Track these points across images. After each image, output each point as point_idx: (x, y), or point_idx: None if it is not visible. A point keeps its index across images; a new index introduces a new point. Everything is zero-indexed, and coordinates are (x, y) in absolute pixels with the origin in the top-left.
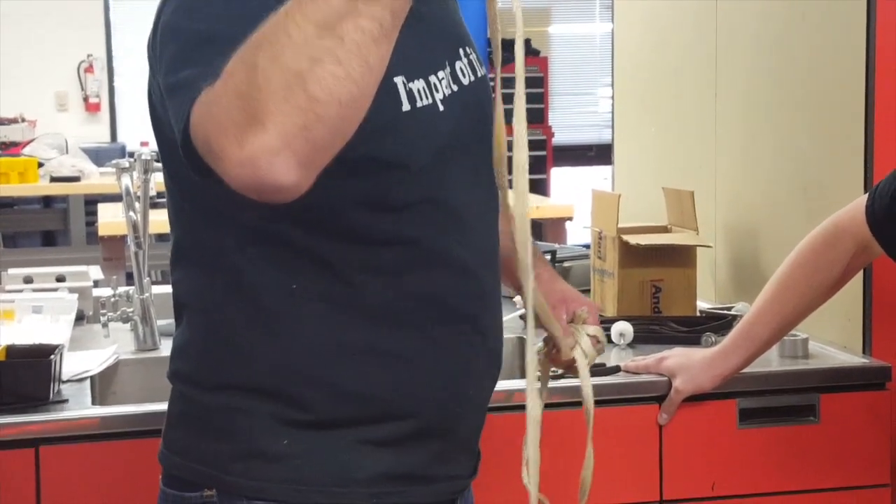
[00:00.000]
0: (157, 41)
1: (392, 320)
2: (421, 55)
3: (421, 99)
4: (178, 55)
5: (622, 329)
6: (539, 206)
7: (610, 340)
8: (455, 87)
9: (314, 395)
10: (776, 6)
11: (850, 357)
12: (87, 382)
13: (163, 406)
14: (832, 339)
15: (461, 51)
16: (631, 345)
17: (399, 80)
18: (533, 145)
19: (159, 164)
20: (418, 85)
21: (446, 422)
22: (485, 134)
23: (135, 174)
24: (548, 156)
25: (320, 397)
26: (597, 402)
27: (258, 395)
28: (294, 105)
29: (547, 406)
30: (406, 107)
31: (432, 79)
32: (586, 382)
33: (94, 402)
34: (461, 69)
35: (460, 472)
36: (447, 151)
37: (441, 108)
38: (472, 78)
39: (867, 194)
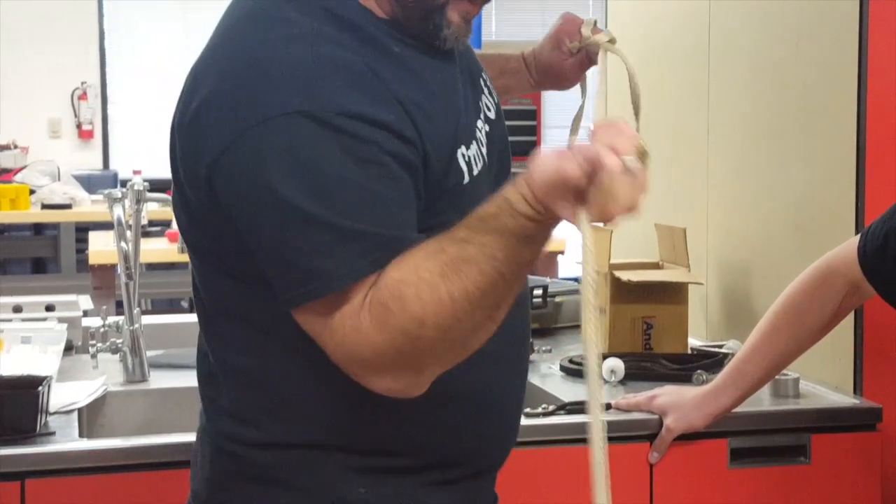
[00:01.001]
0: (246, 192)
1: (457, 367)
2: (468, 112)
3: (476, 164)
4: (304, 234)
5: (613, 366)
6: None
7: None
8: (487, 128)
9: (389, 445)
10: (769, 39)
11: (841, 397)
12: (75, 414)
13: (151, 439)
14: (823, 379)
15: (481, 81)
16: (622, 381)
17: (460, 152)
18: None
19: (151, 195)
20: (473, 150)
21: (502, 456)
22: (505, 163)
23: (126, 203)
24: None
25: (395, 447)
26: (586, 441)
27: (331, 449)
28: (451, 360)
29: (548, 443)
30: (466, 179)
31: (478, 134)
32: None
33: (81, 435)
34: (486, 104)
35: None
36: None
37: (486, 162)
38: (493, 106)
39: (859, 235)
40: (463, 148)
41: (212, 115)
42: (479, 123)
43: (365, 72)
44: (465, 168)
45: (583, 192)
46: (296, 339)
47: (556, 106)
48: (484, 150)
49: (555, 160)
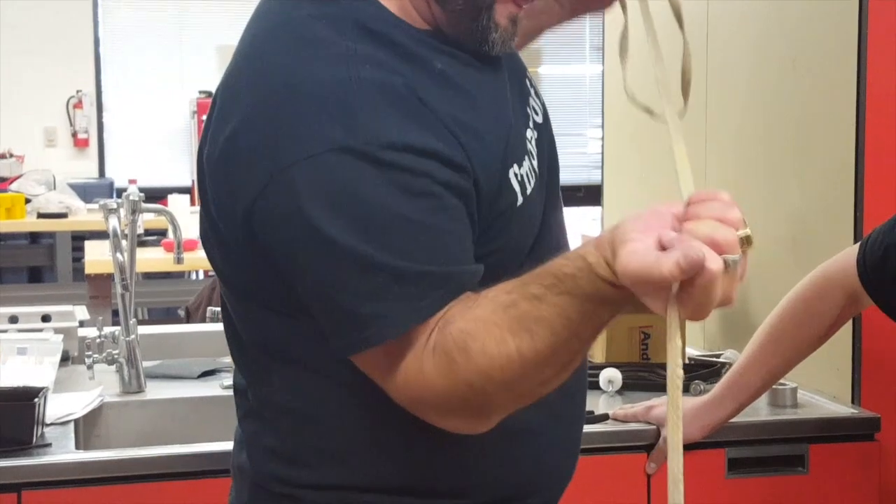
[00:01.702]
0: (291, 229)
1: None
2: (518, 125)
3: (529, 182)
4: (357, 278)
5: (610, 376)
6: None
7: (598, 387)
8: (536, 135)
9: (452, 484)
10: (766, 52)
11: (839, 407)
12: (71, 425)
13: (147, 451)
14: (821, 389)
15: (527, 82)
16: (619, 392)
17: (512, 172)
18: None
19: (147, 205)
20: (525, 168)
21: (561, 490)
22: (554, 170)
23: (122, 214)
24: None
25: (459, 486)
26: (584, 451)
27: (390, 492)
28: (517, 407)
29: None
30: (520, 200)
31: (528, 146)
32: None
33: (77, 446)
34: (533, 108)
35: None
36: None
37: (538, 174)
38: (539, 109)
39: (858, 245)
40: (515, 167)
41: (245, 150)
42: (529, 133)
43: (408, 95)
44: (517, 188)
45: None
46: (349, 377)
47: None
48: (535, 162)
49: (649, 249)
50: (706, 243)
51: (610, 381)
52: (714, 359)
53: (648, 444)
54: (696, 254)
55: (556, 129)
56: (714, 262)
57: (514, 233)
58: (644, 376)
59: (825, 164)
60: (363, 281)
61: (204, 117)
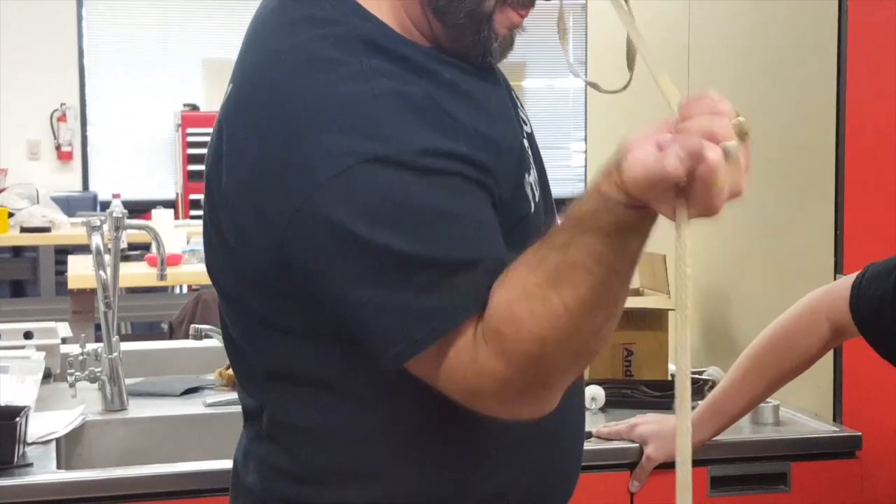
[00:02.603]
0: (319, 233)
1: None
2: (521, 134)
3: (536, 190)
4: (412, 277)
5: (594, 393)
6: None
7: None
8: (527, 143)
9: (468, 496)
10: (748, 71)
11: (820, 425)
12: (53, 444)
13: (130, 470)
14: (803, 406)
15: (514, 94)
16: (603, 409)
17: (526, 179)
18: None
19: (130, 221)
20: (532, 176)
21: (571, 492)
22: (545, 182)
23: (105, 229)
24: None
25: (475, 498)
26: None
27: None
28: (580, 369)
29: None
30: (532, 207)
31: (528, 155)
32: None
33: (59, 466)
34: (523, 119)
35: None
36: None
37: (538, 176)
38: (527, 120)
39: (848, 280)
40: (526, 174)
41: (272, 176)
42: (525, 143)
43: (429, 104)
44: (530, 195)
45: (681, 186)
46: (367, 396)
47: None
48: (535, 171)
49: (649, 153)
50: (702, 136)
51: (593, 399)
52: (697, 376)
53: (632, 462)
54: (693, 144)
55: (540, 143)
56: (713, 150)
57: (529, 241)
58: (627, 393)
59: (806, 181)
60: (421, 279)
61: (189, 130)
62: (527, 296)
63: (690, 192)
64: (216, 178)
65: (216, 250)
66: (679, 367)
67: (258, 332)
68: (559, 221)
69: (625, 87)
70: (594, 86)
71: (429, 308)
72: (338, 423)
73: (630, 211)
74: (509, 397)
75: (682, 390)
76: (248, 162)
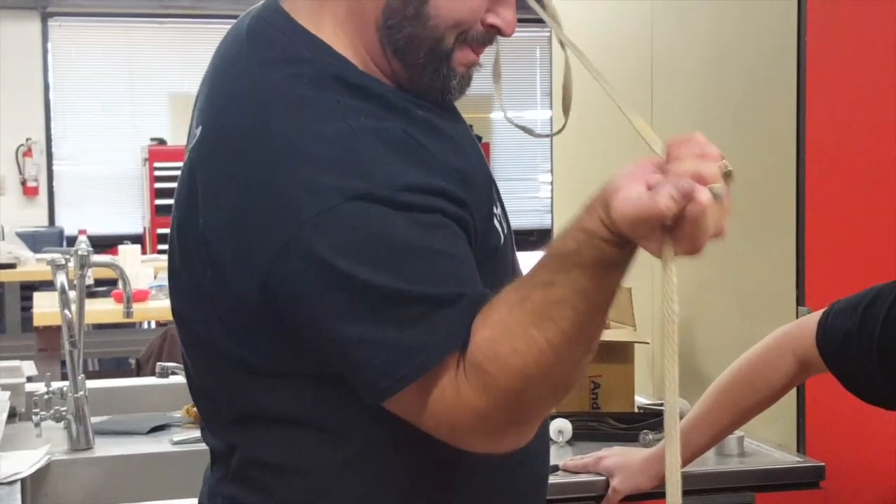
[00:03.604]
0: (298, 266)
1: None
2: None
3: (503, 223)
4: (396, 312)
5: (561, 426)
6: None
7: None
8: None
9: None
10: (710, 108)
11: (784, 455)
12: (18, 485)
13: None
14: (767, 437)
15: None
16: (570, 442)
17: (495, 212)
18: None
19: (96, 258)
20: (500, 209)
21: None
22: (504, 215)
23: (71, 266)
24: None
25: None
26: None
27: None
28: (556, 402)
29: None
30: (502, 240)
31: (495, 189)
32: None
33: None
34: (481, 153)
35: None
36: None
37: (502, 210)
38: (482, 156)
39: (814, 317)
40: (495, 207)
41: (255, 215)
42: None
43: (407, 140)
44: (499, 228)
45: (667, 224)
46: (339, 432)
47: (506, 161)
48: (500, 206)
49: (641, 191)
50: (691, 178)
51: (560, 432)
52: (661, 408)
53: (598, 494)
54: (686, 184)
55: (507, 174)
56: (702, 193)
57: (499, 273)
58: (594, 426)
59: (768, 215)
60: (406, 314)
61: (156, 164)
62: (510, 334)
63: (678, 231)
64: (189, 219)
65: (187, 292)
66: (668, 401)
67: (228, 373)
68: (540, 259)
69: (559, 132)
70: (528, 130)
71: (414, 344)
72: (311, 460)
73: (614, 248)
74: (489, 432)
75: (672, 424)
76: (229, 202)
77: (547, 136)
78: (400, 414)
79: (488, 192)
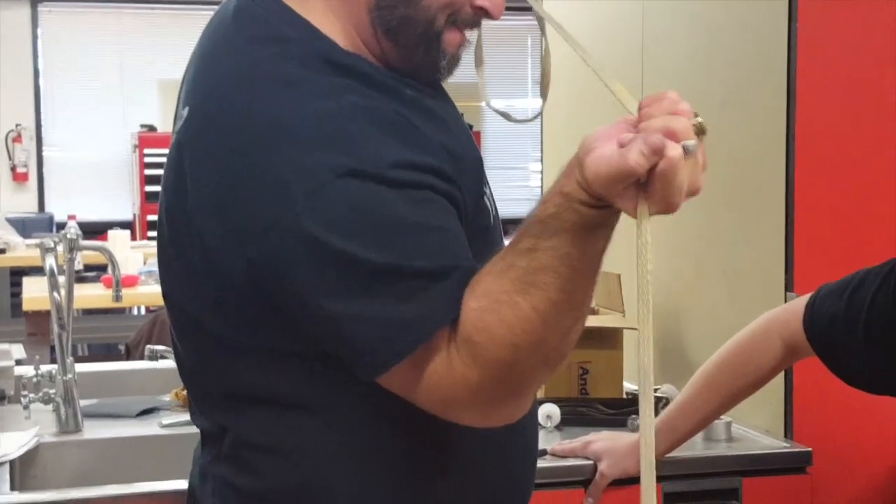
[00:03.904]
0: (287, 242)
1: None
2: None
3: (492, 205)
4: (391, 287)
5: (549, 411)
6: None
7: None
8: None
9: None
10: (700, 93)
11: (771, 441)
12: (7, 467)
13: (85, 492)
14: (755, 423)
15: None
16: (558, 427)
17: (485, 191)
18: None
19: (86, 242)
20: (489, 190)
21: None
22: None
23: (60, 251)
24: None
25: None
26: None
27: None
28: (549, 373)
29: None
30: (491, 220)
31: (484, 170)
32: None
33: (13, 488)
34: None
35: None
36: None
37: (490, 193)
38: (471, 136)
39: (801, 301)
40: (485, 188)
41: (245, 191)
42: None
43: (396, 118)
44: (489, 208)
45: (640, 181)
46: (330, 411)
47: (497, 150)
48: (489, 188)
49: (612, 149)
50: (663, 134)
51: (548, 417)
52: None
53: (586, 479)
54: (656, 140)
55: (498, 163)
56: (673, 149)
57: (489, 252)
58: (583, 411)
59: (757, 201)
60: (399, 289)
61: (146, 151)
62: (497, 303)
63: (651, 188)
64: (177, 201)
65: (176, 273)
66: (642, 358)
67: (218, 354)
68: (522, 226)
69: (536, 117)
70: (505, 115)
71: (408, 317)
72: (302, 441)
73: (593, 210)
74: (482, 405)
75: (646, 382)
76: (217, 181)
77: (525, 120)
78: (394, 390)
79: (478, 171)
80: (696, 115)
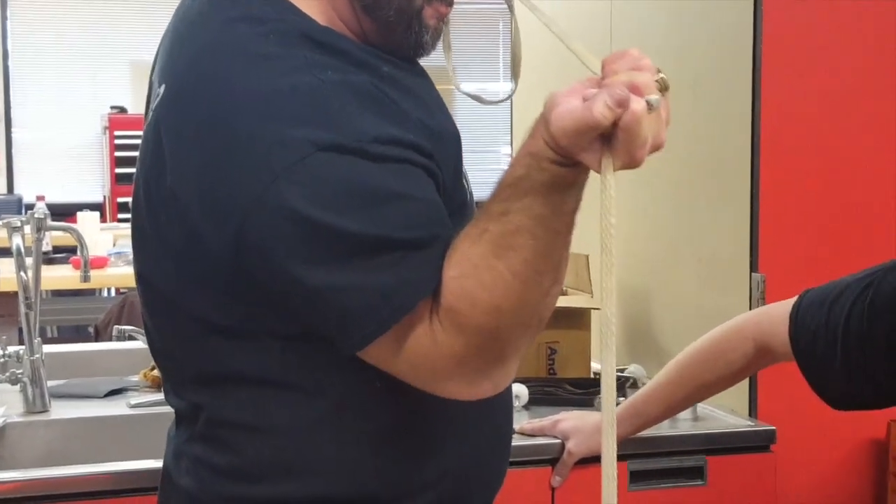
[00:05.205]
0: (270, 218)
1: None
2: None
3: (468, 183)
4: (375, 258)
5: (517, 391)
6: None
7: None
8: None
9: (409, 488)
10: (668, 74)
11: (737, 420)
12: None
13: (52, 471)
14: (720, 402)
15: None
16: (526, 407)
17: (463, 169)
18: None
19: (53, 223)
20: (464, 167)
21: (501, 482)
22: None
23: (27, 231)
24: None
25: (415, 488)
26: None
27: (354, 501)
28: (530, 339)
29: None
30: (468, 197)
31: (462, 148)
32: None
33: None
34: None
35: None
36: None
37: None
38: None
39: (781, 306)
40: (462, 165)
41: (226, 167)
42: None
43: (375, 93)
44: (466, 186)
45: (605, 136)
46: (308, 389)
47: (467, 134)
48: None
49: (576, 104)
50: (627, 88)
51: (517, 397)
52: (619, 374)
53: (554, 457)
54: (619, 92)
55: (469, 146)
56: (637, 102)
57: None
58: (551, 391)
59: (723, 183)
60: (382, 260)
61: (116, 133)
62: (475, 268)
63: (615, 142)
64: (156, 178)
65: (153, 251)
66: (605, 313)
67: (194, 333)
68: (493, 192)
69: (508, 98)
70: (477, 98)
71: (391, 286)
72: (280, 419)
73: (562, 168)
74: (469, 374)
75: (608, 333)
76: (198, 158)
77: (497, 101)
78: (378, 364)
79: (456, 148)
80: (658, 71)
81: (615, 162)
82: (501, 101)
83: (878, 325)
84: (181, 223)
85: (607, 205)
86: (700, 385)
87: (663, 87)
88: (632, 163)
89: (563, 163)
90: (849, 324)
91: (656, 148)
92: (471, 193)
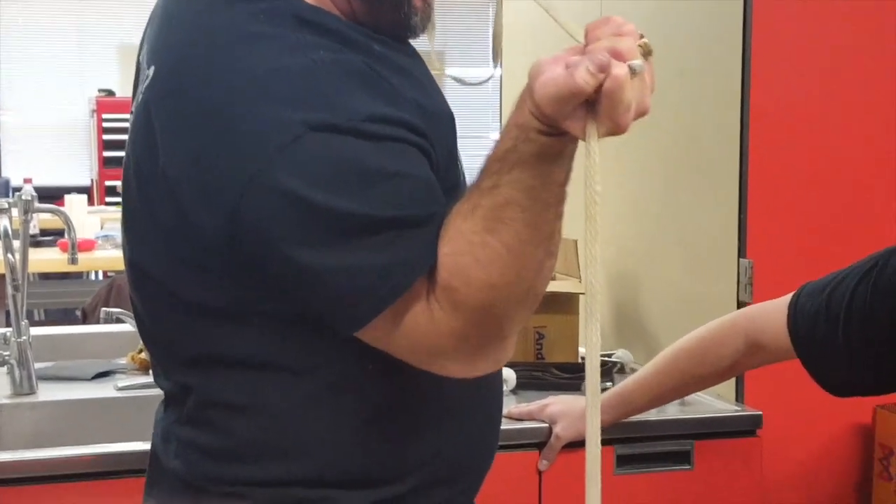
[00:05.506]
0: (262, 200)
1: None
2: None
3: (461, 163)
4: (371, 237)
5: (506, 375)
6: None
7: None
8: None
9: (399, 471)
10: (657, 63)
11: (723, 405)
12: None
13: (38, 453)
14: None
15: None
16: (514, 391)
17: (457, 148)
18: None
19: (41, 205)
20: (458, 146)
21: (490, 465)
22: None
23: (14, 214)
24: None
25: (405, 470)
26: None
27: (343, 483)
28: (527, 314)
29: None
30: (461, 177)
31: (456, 128)
32: None
33: None
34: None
35: None
36: None
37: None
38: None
39: (774, 303)
40: (456, 145)
41: (220, 148)
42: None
43: (369, 72)
44: (460, 167)
45: (590, 102)
46: (299, 370)
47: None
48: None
49: (560, 71)
50: (609, 54)
51: (505, 381)
52: (606, 358)
53: (541, 441)
54: (601, 57)
55: (459, 131)
56: (619, 67)
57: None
58: (538, 376)
59: (712, 169)
60: (378, 239)
61: (104, 116)
62: (469, 244)
63: (599, 108)
64: (148, 160)
65: (144, 233)
66: (588, 279)
67: (185, 316)
68: (482, 167)
69: (488, 80)
70: (458, 79)
71: (389, 265)
72: (272, 399)
73: (549, 138)
74: (468, 352)
75: (591, 302)
76: (191, 139)
77: (478, 83)
78: (375, 343)
79: (449, 128)
80: (641, 37)
81: (600, 129)
82: (484, 81)
83: (881, 307)
84: (173, 204)
85: (591, 172)
86: (689, 378)
87: (646, 52)
88: (616, 129)
89: (549, 132)
90: (851, 306)
91: (641, 114)
92: (464, 175)
